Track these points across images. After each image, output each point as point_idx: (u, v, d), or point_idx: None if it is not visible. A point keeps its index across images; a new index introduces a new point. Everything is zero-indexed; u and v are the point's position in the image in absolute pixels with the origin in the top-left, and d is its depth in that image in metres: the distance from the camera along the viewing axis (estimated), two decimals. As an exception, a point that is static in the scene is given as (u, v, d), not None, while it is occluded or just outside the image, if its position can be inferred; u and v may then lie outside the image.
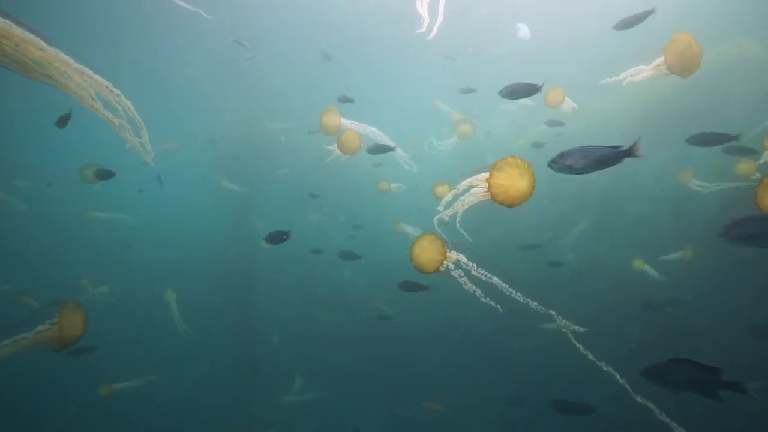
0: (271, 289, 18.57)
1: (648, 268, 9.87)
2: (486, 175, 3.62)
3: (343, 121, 7.90)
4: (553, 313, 3.81)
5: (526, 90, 6.96)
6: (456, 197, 3.82)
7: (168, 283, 12.52)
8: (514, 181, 3.53)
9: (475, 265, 3.75)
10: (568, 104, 8.67)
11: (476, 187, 3.72)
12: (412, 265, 4.07)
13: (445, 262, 3.84)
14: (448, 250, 3.92)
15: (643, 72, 4.72)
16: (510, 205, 3.61)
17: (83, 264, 14.11)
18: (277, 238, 7.96)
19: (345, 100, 10.58)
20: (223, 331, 17.03)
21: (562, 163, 4.00)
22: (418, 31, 5.77)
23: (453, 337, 15.45)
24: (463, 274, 3.83)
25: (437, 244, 3.95)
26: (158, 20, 16.18)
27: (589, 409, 7.74)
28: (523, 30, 13.50)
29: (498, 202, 3.64)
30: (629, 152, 3.84)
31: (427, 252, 3.91)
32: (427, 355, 15.52)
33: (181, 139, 20.17)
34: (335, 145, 7.97)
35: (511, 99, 7.27)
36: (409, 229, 12.13)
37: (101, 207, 13.06)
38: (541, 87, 6.84)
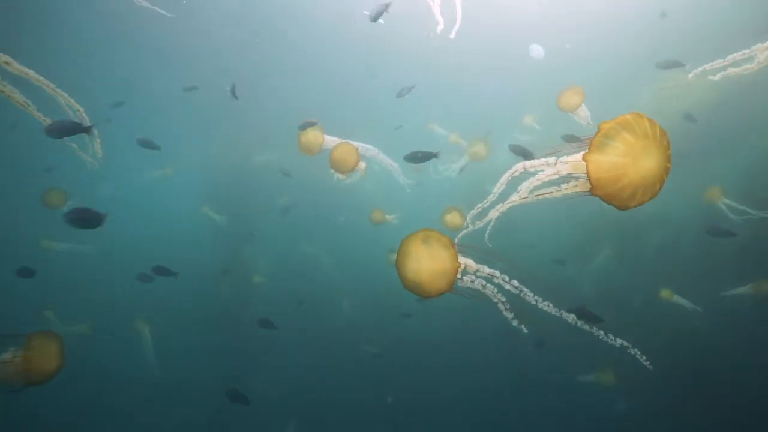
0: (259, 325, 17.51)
1: (678, 299, 8.85)
2: (583, 151, 2.17)
3: (328, 138, 7.11)
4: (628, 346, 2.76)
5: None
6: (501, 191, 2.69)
7: (147, 317, 11.48)
8: (637, 159, 2.04)
9: (499, 273, 2.70)
10: (584, 112, 7.79)
11: (554, 169, 2.33)
12: (407, 287, 2.84)
13: (458, 273, 2.58)
14: (459, 254, 2.71)
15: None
16: (624, 203, 2.13)
17: (47, 295, 13.00)
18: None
19: (148, 145, 9.50)
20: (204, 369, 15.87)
21: None
22: (432, 35, 5.39)
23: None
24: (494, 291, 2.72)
25: (441, 246, 2.65)
26: (149, 47, 15.59)
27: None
28: (537, 50, 12.70)
29: (601, 196, 2.12)
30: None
31: (430, 261, 2.69)
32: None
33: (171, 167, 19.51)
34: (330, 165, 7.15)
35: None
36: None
37: (64, 235, 11.93)
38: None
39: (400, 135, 16.22)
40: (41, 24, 13.80)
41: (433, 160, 14.59)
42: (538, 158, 2.47)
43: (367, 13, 7.12)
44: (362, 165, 6.92)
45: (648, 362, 2.90)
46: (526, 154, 8.48)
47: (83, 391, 13.35)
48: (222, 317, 17.38)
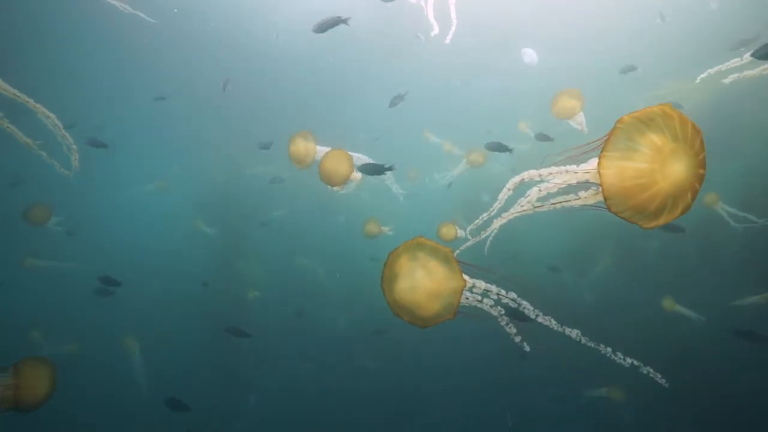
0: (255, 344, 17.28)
1: (680, 308, 8.64)
2: (595, 155, 1.79)
3: (320, 148, 6.89)
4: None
5: None
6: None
7: (136, 334, 11.19)
8: (664, 163, 1.66)
9: (503, 291, 2.46)
10: (580, 118, 7.63)
11: (563, 177, 1.99)
12: (397, 313, 2.27)
13: (463, 293, 2.15)
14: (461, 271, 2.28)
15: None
16: (649, 221, 1.77)
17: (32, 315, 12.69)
18: None
19: (97, 144, 9.43)
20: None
21: None
22: (424, 37, 5.31)
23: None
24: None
25: (440, 259, 2.13)
26: (140, 58, 15.40)
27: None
28: (530, 55, 12.45)
29: (618, 213, 1.75)
30: None
31: (426, 280, 2.17)
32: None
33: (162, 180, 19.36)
34: (320, 175, 6.93)
35: None
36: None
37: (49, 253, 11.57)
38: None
39: (394, 143, 16.13)
40: (35, 31, 13.58)
41: (430, 169, 14.50)
42: (545, 167, 2.21)
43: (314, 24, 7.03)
44: (358, 175, 6.68)
45: (663, 379, 2.67)
46: (501, 149, 8.47)
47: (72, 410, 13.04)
48: (214, 327, 17.11)
